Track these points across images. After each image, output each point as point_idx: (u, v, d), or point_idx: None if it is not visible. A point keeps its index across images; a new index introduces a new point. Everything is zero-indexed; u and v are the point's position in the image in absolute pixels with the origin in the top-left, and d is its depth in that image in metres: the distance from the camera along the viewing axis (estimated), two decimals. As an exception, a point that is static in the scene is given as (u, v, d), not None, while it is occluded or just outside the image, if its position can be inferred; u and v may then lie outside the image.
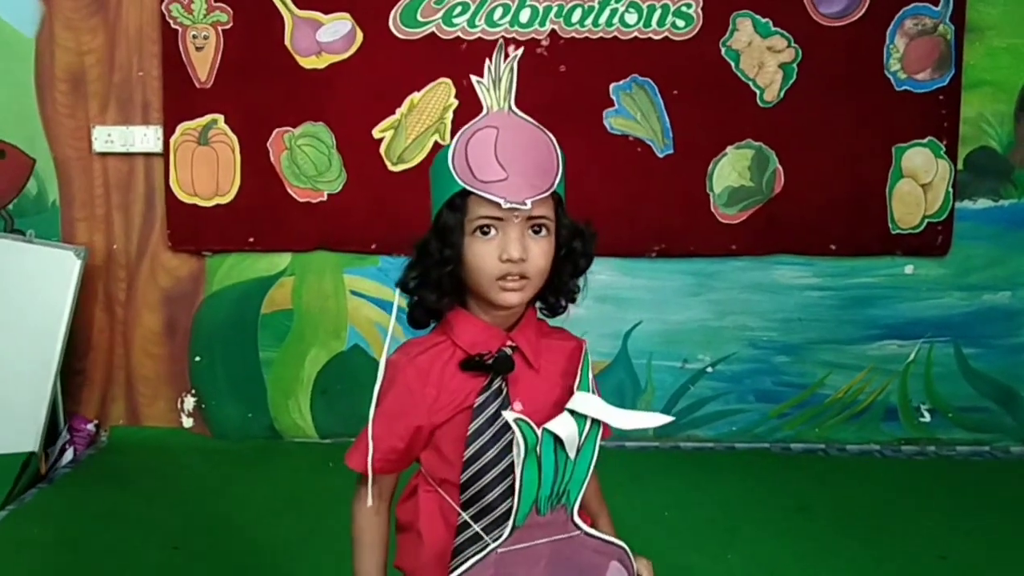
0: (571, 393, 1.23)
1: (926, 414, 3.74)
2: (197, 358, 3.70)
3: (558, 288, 1.35)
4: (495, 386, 1.29)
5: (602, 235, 3.94)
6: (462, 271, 1.29)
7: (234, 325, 3.69)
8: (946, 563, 2.69)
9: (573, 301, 1.37)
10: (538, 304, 1.37)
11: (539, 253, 1.27)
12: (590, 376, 1.26)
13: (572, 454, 1.19)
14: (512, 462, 1.20)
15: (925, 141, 3.56)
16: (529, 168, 1.25)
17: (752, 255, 3.63)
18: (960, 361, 3.71)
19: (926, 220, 3.60)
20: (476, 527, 1.25)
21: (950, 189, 3.58)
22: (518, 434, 1.14)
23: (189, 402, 3.72)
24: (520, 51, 1.32)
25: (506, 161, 1.23)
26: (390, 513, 1.38)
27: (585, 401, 1.21)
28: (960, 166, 3.59)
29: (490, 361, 1.29)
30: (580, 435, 1.19)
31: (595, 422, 1.22)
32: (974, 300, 3.68)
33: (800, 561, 2.69)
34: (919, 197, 3.58)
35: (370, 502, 1.31)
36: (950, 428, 3.74)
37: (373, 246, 3.59)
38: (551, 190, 1.26)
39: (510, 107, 1.28)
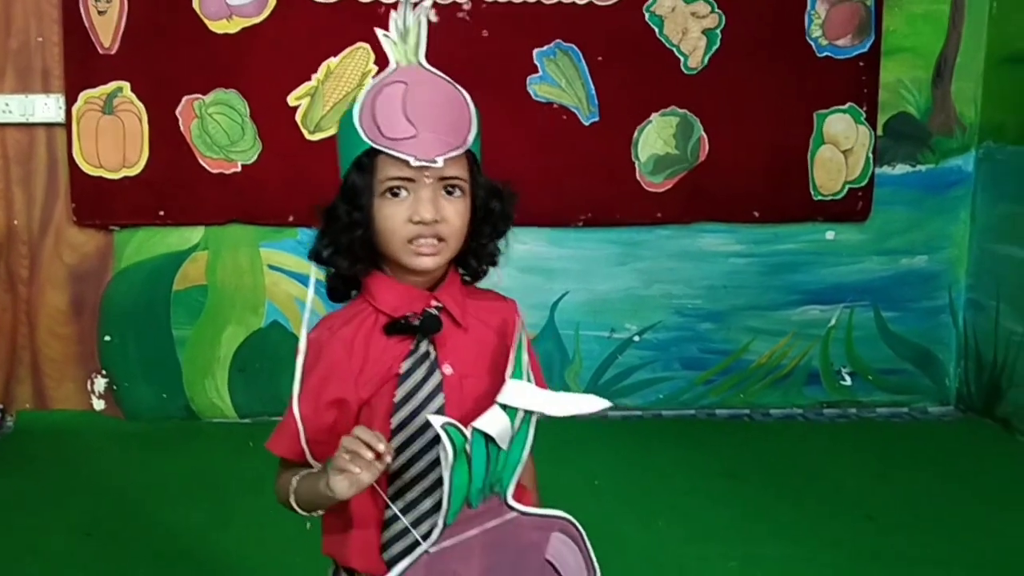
0: (507, 352, 1.17)
1: (847, 377, 3.81)
2: (107, 337, 3.56)
3: (477, 251, 1.29)
4: (422, 349, 1.23)
5: (528, 205, 3.85)
6: (373, 235, 1.22)
7: (145, 302, 3.56)
8: (873, 523, 2.73)
9: (494, 264, 1.31)
10: (460, 269, 1.31)
11: (454, 214, 1.21)
12: (524, 358, 1.18)
13: (505, 447, 1.13)
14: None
15: (845, 107, 3.59)
16: (440, 124, 1.18)
17: (678, 223, 3.63)
18: (880, 324, 3.78)
19: (847, 186, 3.64)
20: (404, 520, 1.18)
21: (870, 155, 3.63)
22: (446, 440, 1.06)
23: (100, 383, 3.58)
24: (429, 2, 1.23)
25: (415, 117, 1.17)
26: None
27: (517, 392, 1.14)
28: (879, 132, 3.64)
29: (416, 322, 1.22)
30: (512, 427, 1.13)
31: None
32: (893, 264, 3.75)
33: (730, 526, 2.71)
34: (840, 163, 3.61)
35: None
36: (870, 390, 3.82)
37: (290, 218, 3.48)
38: (464, 148, 1.20)
39: (420, 61, 1.21)
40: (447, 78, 1.22)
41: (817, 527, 2.69)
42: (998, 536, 2.66)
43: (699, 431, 3.57)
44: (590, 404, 1.17)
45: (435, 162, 1.16)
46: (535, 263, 3.55)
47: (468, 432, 1.08)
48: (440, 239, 1.20)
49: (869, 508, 2.82)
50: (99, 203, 3.44)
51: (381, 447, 1.10)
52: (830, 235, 3.70)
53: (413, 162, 1.16)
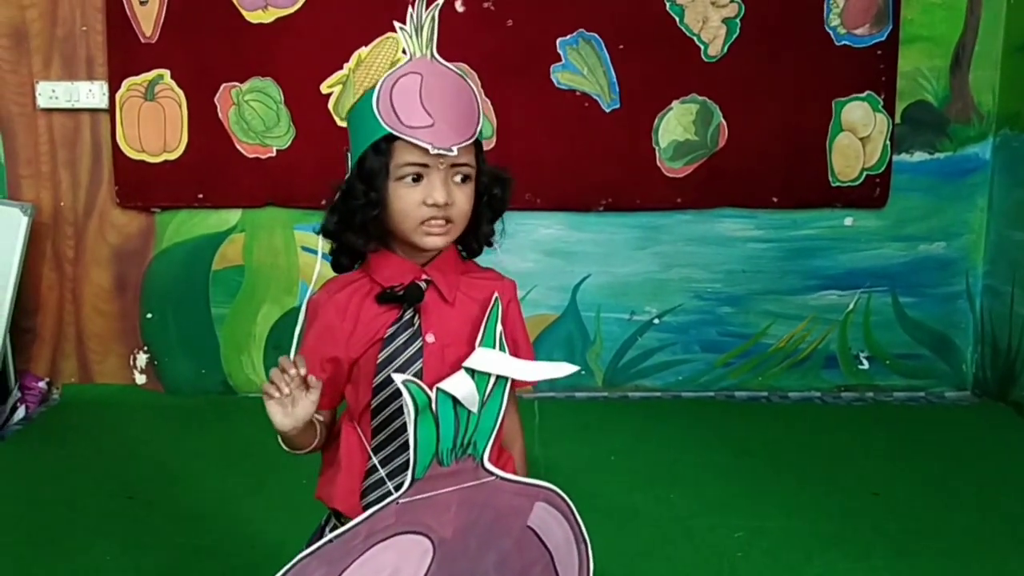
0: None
1: (864, 361, 3.87)
2: (148, 315, 3.72)
3: (477, 232, 1.38)
4: (407, 317, 1.32)
5: (550, 190, 3.98)
6: (384, 214, 1.31)
7: (185, 281, 3.70)
8: (878, 499, 2.81)
9: (490, 244, 1.41)
10: (458, 247, 1.40)
11: (462, 198, 1.31)
12: (496, 328, 1.25)
13: (473, 410, 1.19)
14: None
15: (864, 95, 3.64)
16: (454, 115, 1.27)
17: (697, 208, 3.70)
18: (897, 310, 3.84)
19: (864, 173, 3.69)
20: (382, 472, 1.29)
21: (887, 142, 3.68)
22: (406, 395, 1.13)
23: (141, 359, 3.74)
24: (440, 1, 1.31)
25: (432, 107, 1.25)
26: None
27: (484, 358, 1.21)
28: (897, 120, 3.69)
29: (400, 292, 1.32)
30: (482, 392, 1.20)
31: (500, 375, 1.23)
32: (910, 250, 3.79)
33: (739, 499, 2.80)
34: (858, 150, 3.67)
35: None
36: (888, 374, 3.87)
37: (323, 202, 3.52)
38: (474, 137, 1.29)
39: (432, 54, 1.30)
40: (457, 70, 1.30)
41: (822, 502, 2.77)
42: (998, 513, 2.72)
43: (717, 412, 3.64)
44: (557, 370, 1.25)
45: (451, 151, 1.26)
46: (557, 246, 3.64)
47: (432, 392, 1.15)
48: (449, 221, 1.30)
49: (876, 485, 2.89)
50: (141, 186, 3.59)
51: (292, 371, 1.20)
52: (848, 221, 3.76)
53: (432, 150, 1.25)
